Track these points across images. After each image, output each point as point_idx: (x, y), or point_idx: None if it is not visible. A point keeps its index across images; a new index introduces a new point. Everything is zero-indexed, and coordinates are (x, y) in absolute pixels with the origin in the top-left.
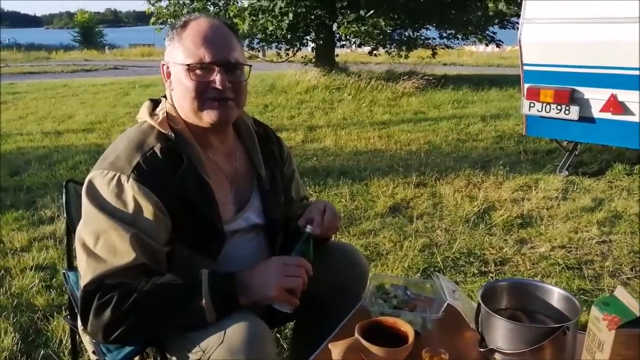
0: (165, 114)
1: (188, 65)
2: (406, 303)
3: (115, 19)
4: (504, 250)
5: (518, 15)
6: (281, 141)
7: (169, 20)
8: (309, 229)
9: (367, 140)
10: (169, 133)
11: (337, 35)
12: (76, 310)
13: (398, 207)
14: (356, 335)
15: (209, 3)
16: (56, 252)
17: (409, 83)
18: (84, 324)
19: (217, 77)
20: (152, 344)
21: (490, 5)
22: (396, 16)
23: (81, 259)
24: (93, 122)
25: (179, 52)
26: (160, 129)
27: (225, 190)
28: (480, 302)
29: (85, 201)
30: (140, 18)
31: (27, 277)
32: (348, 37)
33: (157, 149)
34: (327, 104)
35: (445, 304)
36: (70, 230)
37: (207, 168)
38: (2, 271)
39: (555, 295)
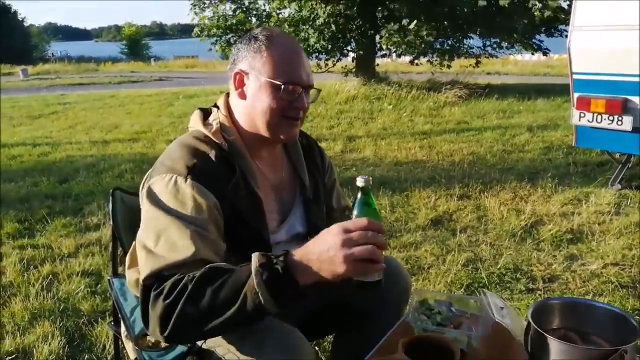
0: (218, 124)
1: (281, 83)
2: (451, 320)
3: (160, 31)
4: (552, 267)
5: (566, 23)
6: (322, 151)
7: (212, 30)
8: (361, 181)
9: (408, 151)
10: (222, 143)
11: (378, 45)
12: (119, 316)
13: (440, 220)
14: (399, 351)
15: (251, 15)
16: (102, 259)
17: (452, 92)
18: (145, 322)
19: (302, 99)
20: (194, 353)
21: (537, 13)
22: (438, 25)
23: (141, 260)
24: (138, 132)
25: (268, 66)
26: (214, 139)
27: (271, 200)
28: (531, 321)
29: (145, 205)
30: (185, 30)
31: (74, 283)
32: (389, 46)
33: (211, 155)
34: (366, 114)
35: (493, 322)
36: (116, 237)
37: (257, 179)
38: (51, 276)
39: (611, 316)
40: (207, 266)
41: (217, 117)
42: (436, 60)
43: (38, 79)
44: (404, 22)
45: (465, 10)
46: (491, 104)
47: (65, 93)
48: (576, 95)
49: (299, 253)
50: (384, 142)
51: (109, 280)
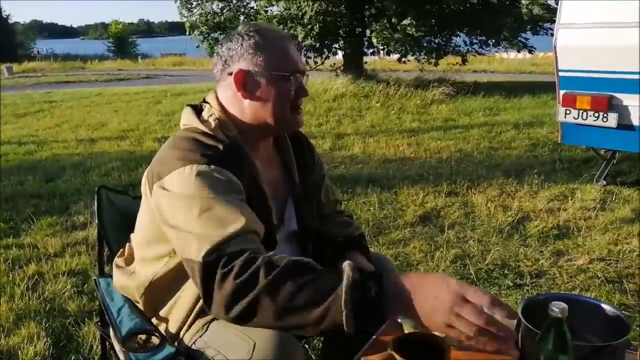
0: (216, 120)
1: (289, 73)
2: None
3: (148, 29)
4: (539, 263)
5: (552, 21)
6: (312, 146)
7: (202, 28)
8: (557, 311)
9: (396, 148)
10: (224, 139)
11: (366, 43)
12: (106, 317)
13: (428, 217)
14: (389, 350)
15: (239, 13)
16: (88, 258)
17: (439, 90)
18: (207, 302)
19: (306, 85)
20: (183, 354)
21: (524, 10)
22: (426, 23)
23: (184, 245)
24: (126, 130)
25: (273, 60)
26: (215, 134)
27: (270, 198)
28: (521, 317)
29: (165, 200)
30: (172, 28)
31: (60, 283)
32: (377, 44)
33: (221, 148)
34: (355, 112)
35: None
36: (102, 237)
37: (261, 175)
38: (36, 276)
39: (601, 311)
40: (292, 258)
41: (213, 113)
42: (423, 58)
43: (23, 77)
44: (393, 20)
45: (454, 8)
46: (478, 101)
47: (52, 91)
48: (562, 92)
49: (399, 284)
50: (373, 139)
51: (95, 280)
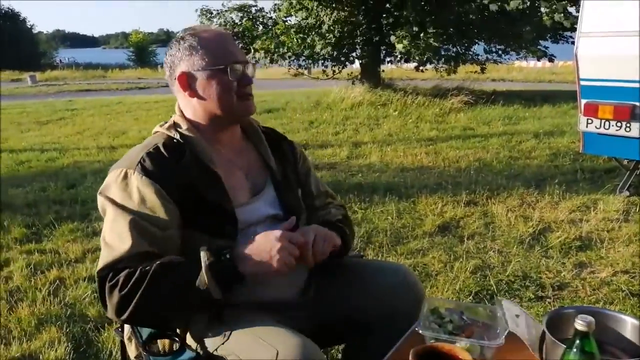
0: (172, 121)
1: (225, 65)
2: (462, 329)
3: (167, 38)
4: (562, 275)
5: (572, 29)
6: (292, 141)
7: None
8: (583, 324)
9: (414, 157)
10: (174, 134)
11: (384, 52)
12: None
13: (447, 226)
14: None
15: (258, 22)
16: None
17: (457, 99)
18: (104, 308)
19: (248, 72)
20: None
21: (545, 18)
22: (445, 31)
23: (102, 252)
24: (145, 138)
25: (207, 57)
26: (165, 132)
27: (238, 177)
28: (546, 330)
29: (100, 200)
30: None
31: (80, 288)
32: (395, 53)
33: (160, 145)
34: (372, 120)
35: (507, 331)
36: None
37: (215, 159)
38: (58, 281)
39: (629, 326)
40: (158, 263)
41: (172, 116)
42: (442, 66)
43: (46, 85)
44: (413, 28)
45: (472, 16)
46: (497, 110)
47: (73, 99)
48: (583, 101)
49: (243, 248)
50: (390, 148)
51: None
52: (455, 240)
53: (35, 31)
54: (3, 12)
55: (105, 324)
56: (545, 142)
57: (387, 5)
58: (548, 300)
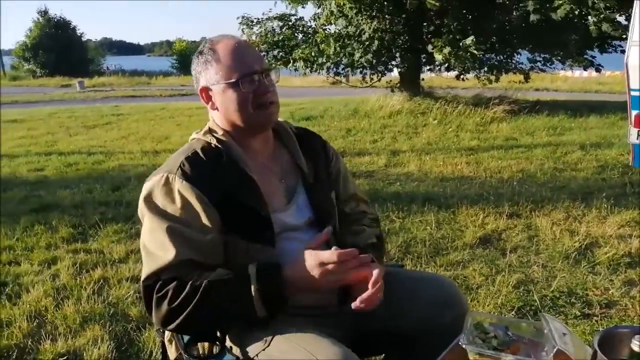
0: (207, 128)
1: (237, 78)
2: (508, 344)
3: None
4: (609, 292)
5: (620, 38)
6: (325, 141)
7: (260, 46)
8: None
9: (454, 167)
10: (210, 139)
11: (423, 60)
12: None
13: (489, 239)
14: None
15: (298, 31)
16: None
17: (499, 108)
18: (149, 314)
19: (263, 84)
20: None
21: (592, 27)
22: (487, 40)
23: (143, 259)
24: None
25: (221, 72)
26: (202, 138)
27: (274, 184)
28: (598, 350)
29: (141, 205)
30: None
31: (123, 288)
32: (436, 61)
33: (198, 149)
34: (411, 129)
35: (556, 349)
36: None
37: (250, 165)
38: (102, 280)
39: None
40: (208, 281)
41: (207, 124)
42: (484, 75)
43: (94, 91)
44: (456, 37)
45: (515, 24)
46: (541, 120)
47: (119, 105)
48: (634, 112)
49: (294, 268)
50: (429, 157)
51: None
52: (497, 253)
53: (84, 39)
54: (55, 21)
55: (147, 324)
56: (592, 154)
57: (429, 13)
58: (595, 318)
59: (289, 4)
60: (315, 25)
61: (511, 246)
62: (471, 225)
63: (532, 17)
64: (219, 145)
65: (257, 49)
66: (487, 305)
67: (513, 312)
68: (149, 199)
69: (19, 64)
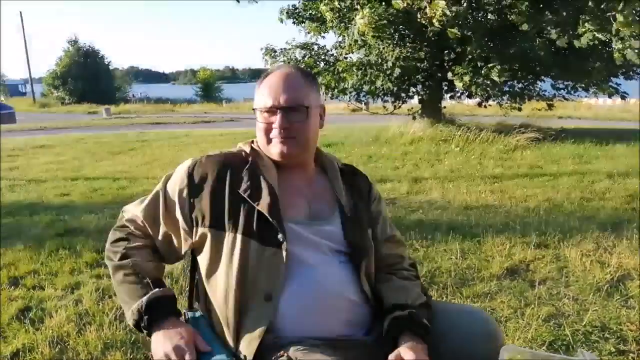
0: (252, 140)
1: (257, 108)
2: None
3: (232, 75)
4: None
5: None
6: (370, 181)
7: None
8: None
9: (478, 195)
10: (246, 148)
11: (445, 87)
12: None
13: (516, 269)
14: None
15: (319, 60)
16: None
17: (523, 136)
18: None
19: (275, 118)
20: None
21: (617, 55)
22: (510, 67)
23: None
24: None
25: (256, 98)
26: (242, 146)
27: (297, 200)
28: None
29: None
30: (255, 75)
31: None
32: (458, 89)
33: (225, 151)
34: (433, 156)
35: None
36: (194, 269)
37: (276, 177)
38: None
39: None
40: (131, 261)
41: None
42: (506, 102)
43: (120, 118)
44: (477, 64)
45: (538, 51)
46: (566, 148)
47: (144, 131)
48: None
49: (166, 324)
50: (452, 184)
51: (184, 313)
52: (526, 284)
53: (111, 67)
54: (84, 50)
55: None
56: (620, 183)
57: (450, 41)
58: (631, 355)
59: (310, 32)
60: (337, 53)
61: (540, 277)
62: (497, 255)
63: (560, 43)
64: (250, 155)
65: (302, 83)
66: (517, 339)
67: (544, 347)
68: (171, 173)
69: (49, 91)
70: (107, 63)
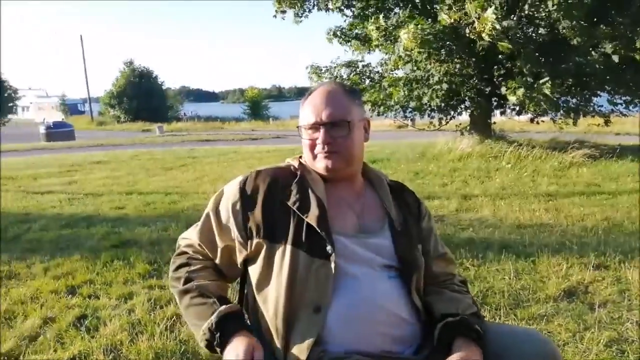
0: (300, 155)
1: (302, 126)
2: None
3: (279, 94)
4: None
5: None
6: (419, 198)
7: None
8: None
9: (532, 213)
10: (294, 162)
11: (495, 103)
12: None
13: (574, 291)
14: None
15: (365, 76)
16: None
17: (579, 152)
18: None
19: (319, 134)
20: None
21: None
22: (563, 82)
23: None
24: None
25: (301, 116)
26: (290, 161)
27: (346, 213)
28: None
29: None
30: (301, 93)
31: None
32: (508, 104)
33: (274, 167)
34: (483, 173)
35: None
36: (244, 280)
37: (324, 191)
38: (174, 317)
39: None
40: (195, 284)
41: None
42: (560, 118)
43: (172, 135)
44: (528, 79)
45: (594, 65)
46: (624, 166)
47: (194, 148)
48: None
49: (238, 336)
50: (504, 202)
51: None
52: (585, 307)
53: (164, 87)
54: (139, 71)
55: None
56: None
57: (499, 56)
58: None
59: (356, 50)
60: (382, 70)
61: (600, 300)
62: (554, 276)
63: (616, 57)
64: (298, 169)
65: (344, 99)
66: None
67: None
68: (220, 192)
69: (106, 110)
70: (160, 83)
